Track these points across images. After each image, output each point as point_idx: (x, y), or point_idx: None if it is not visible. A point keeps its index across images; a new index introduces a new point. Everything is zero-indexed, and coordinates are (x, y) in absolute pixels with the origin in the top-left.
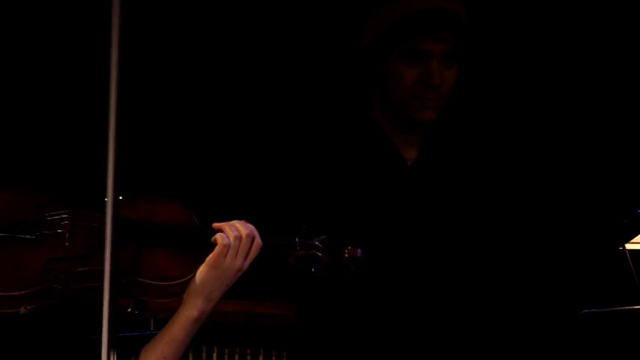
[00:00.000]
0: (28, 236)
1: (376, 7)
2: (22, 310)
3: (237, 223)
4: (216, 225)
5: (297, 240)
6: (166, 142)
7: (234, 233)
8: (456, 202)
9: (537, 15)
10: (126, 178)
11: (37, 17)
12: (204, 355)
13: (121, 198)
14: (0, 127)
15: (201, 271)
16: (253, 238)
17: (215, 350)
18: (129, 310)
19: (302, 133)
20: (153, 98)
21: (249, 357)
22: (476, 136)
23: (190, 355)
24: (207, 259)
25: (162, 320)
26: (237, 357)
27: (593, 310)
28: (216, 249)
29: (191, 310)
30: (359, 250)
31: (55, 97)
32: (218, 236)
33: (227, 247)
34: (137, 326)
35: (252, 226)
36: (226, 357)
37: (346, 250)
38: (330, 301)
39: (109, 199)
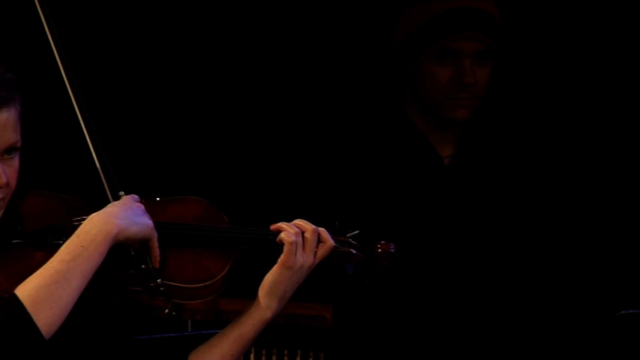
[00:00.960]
0: (56, 241)
1: (409, 5)
2: None
3: (298, 221)
4: (274, 226)
5: None
6: (198, 141)
7: (295, 229)
8: (492, 200)
9: (568, 11)
10: (157, 178)
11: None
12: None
13: (158, 199)
14: (36, 131)
15: (273, 273)
16: (319, 234)
17: (252, 351)
18: (166, 311)
19: (338, 130)
20: (179, 96)
21: (286, 358)
22: (512, 134)
23: None
24: (280, 260)
25: (200, 322)
26: (274, 358)
27: (630, 311)
28: (285, 248)
29: (266, 312)
30: (392, 245)
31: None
32: (283, 235)
33: (294, 244)
34: (175, 327)
35: (318, 227)
36: (264, 358)
37: (379, 245)
38: (364, 296)
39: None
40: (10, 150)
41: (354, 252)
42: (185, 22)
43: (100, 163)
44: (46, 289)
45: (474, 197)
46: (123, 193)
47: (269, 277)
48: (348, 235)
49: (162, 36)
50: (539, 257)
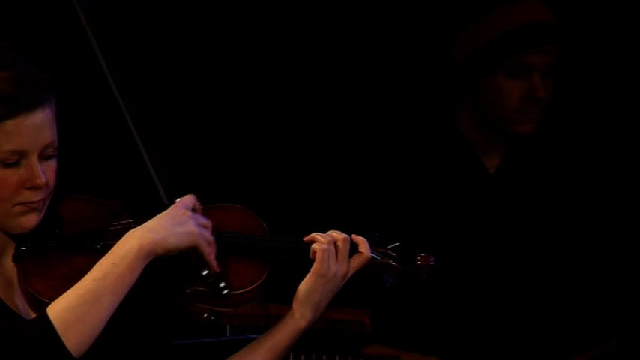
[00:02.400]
0: (94, 246)
1: (467, 23)
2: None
3: (332, 231)
4: (307, 237)
5: None
6: (239, 152)
7: (327, 238)
8: (538, 211)
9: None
10: (201, 186)
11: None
12: None
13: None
14: (83, 139)
15: (307, 282)
16: (358, 244)
17: (291, 356)
18: (204, 316)
19: (384, 140)
20: (221, 106)
21: None
22: (558, 144)
23: None
24: (313, 269)
25: (238, 327)
26: None
27: None
28: (317, 257)
29: (300, 321)
30: (432, 258)
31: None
32: (315, 245)
33: (326, 252)
34: (213, 333)
35: (357, 236)
36: None
37: (419, 257)
38: (402, 307)
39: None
40: (48, 150)
41: (394, 264)
42: (226, 33)
43: (154, 170)
44: (77, 310)
45: (519, 208)
46: (179, 200)
47: (303, 286)
48: (389, 246)
49: (201, 42)
50: (585, 270)
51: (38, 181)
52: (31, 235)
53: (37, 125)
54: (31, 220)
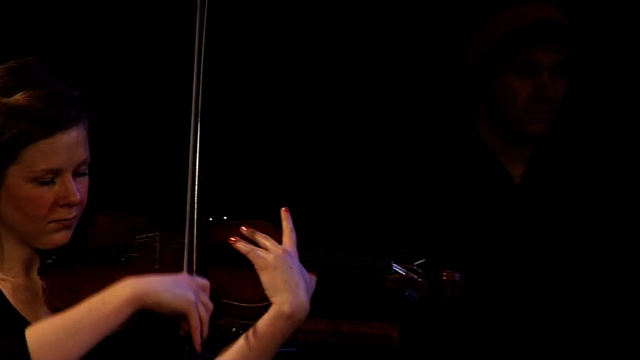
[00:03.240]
0: (119, 259)
1: (479, 24)
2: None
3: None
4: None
5: (392, 263)
6: (262, 163)
7: (243, 242)
8: (564, 220)
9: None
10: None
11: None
12: None
13: (225, 218)
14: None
15: (261, 278)
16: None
17: None
18: (233, 330)
19: (407, 151)
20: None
21: None
22: (584, 153)
23: None
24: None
25: None
26: None
27: None
28: (249, 258)
29: (282, 306)
30: (457, 274)
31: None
32: (238, 248)
33: (250, 251)
34: None
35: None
36: None
37: (444, 273)
38: (430, 321)
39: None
40: (82, 167)
41: (420, 280)
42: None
43: (197, 188)
44: (54, 335)
45: (545, 218)
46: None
47: (263, 283)
48: (415, 263)
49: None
50: (613, 281)
51: (73, 199)
52: (57, 248)
53: (72, 143)
54: (63, 237)
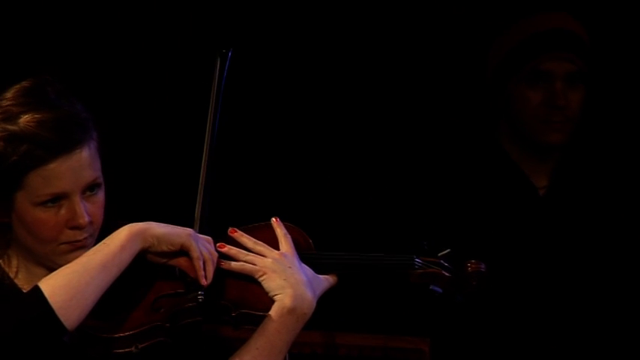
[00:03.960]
0: (140, 271)
1: (499, 34)
2: (134, 349)
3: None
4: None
5: (415, 258)
6: (286, 165)
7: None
8: (588, 231)
9: None
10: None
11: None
12: None
13: (239, 228)
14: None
15: (260, 282)
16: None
17: None
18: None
19: (432, 162)
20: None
21: None
22: (607, 164)
23: None
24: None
25: (297, 355)
26: None
27: None
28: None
29: (283, 300)
30: (483, 265)
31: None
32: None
33: (243, 266)
34: None
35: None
36: None
37: (469, 264)
38: (461, 329)
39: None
40: (91, 187)
41: (443, 272)
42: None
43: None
44: (65, 279)
45: (569, 229)
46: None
47: (265, 290)
48: (440, 254)
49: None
50: (637, 291)
51: (81, 221)
52: None
53: (76, 166)
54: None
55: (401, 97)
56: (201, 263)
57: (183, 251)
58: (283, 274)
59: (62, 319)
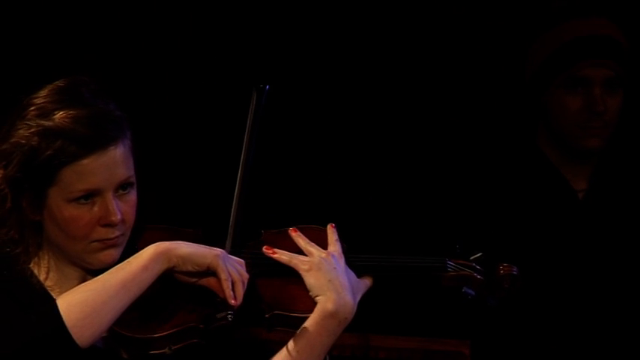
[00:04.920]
0: (170, 276)
1: (536, 40)
2: (167, 350)
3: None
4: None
5: (447, 261)
6: (317, 169)
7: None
8: (627, 235)
9: None
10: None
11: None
12: None
13: (272, 231)
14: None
15: (304, 279)
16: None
17: None
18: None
19: (472, 166)
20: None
21: None
22: None
23: None
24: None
25: (337, 357)
26: None
27: None
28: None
29: (326, 304)
30: (515, 268)
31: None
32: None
33: (290, 259)
34: None
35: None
36: None
37: (502, 267)
38: (501, 331)
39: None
40: (124, 186)
41: (475, 275)
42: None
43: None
44: (82, 295)
45: (608, 232)
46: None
47: (307, 284)
48: (471, 258)
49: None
50: None
51: (113, 219)
52: (110, 267)
53: (110, 163)
54: (110, 256)
55: (440, 100)
56: (229, 284)
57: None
58: (328, 275)
59: (75, 336)
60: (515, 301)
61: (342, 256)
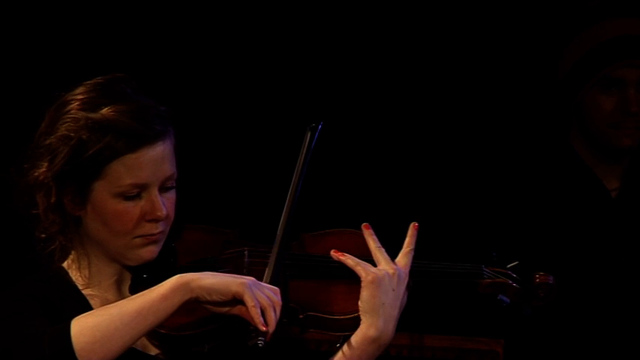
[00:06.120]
0: None
1: (571, 38)
2: (204, 349)
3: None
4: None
5: (483, 268)
6: (353, 175)
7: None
8: None
9: None
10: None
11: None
12: None
13: (308, 234)
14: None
15: (362, 292)
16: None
17: None
18: (337, 345)
19: (503, 165)
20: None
21: None
22: None
23: None
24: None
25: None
26: None
27: None
28: (357, 271)
29: (369, 329)
30: (551, 277)
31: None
32: (343, 260)
33: (357, 265)
34: None
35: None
36: None
37: (538, 276)
38: (534, 330)
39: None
40: (167, 182)
41: (511, 283)
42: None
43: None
44: (96, 318)
45: None
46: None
47: (361, 297)
48: (508, 266)
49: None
50: None
51: (159, 214)
52: (147, 265)
53: (158, 158)
54: (150, 252)
55: (473, 104)
56: (257, 310)
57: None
58: (384, 297)
59: (79, 356)
60: (551, 306)
61: (408, 276)
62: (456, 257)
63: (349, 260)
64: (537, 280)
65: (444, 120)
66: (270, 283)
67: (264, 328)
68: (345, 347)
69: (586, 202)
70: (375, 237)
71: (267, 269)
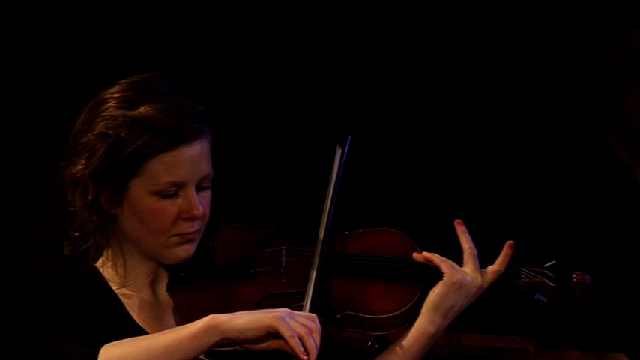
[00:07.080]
0: (245, 274)
1: (612, 39)
2: (238, 347)
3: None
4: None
5: (520, 267)
6: (391, 173)
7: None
8: None
9: None
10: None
11: None
12: None
13: (346, 232)
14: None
15: (438, 287)
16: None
17: None
18: (368, 344)
19: (542, 165)
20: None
21: None
22: None
23: None
24: (444, 278)
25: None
26: None
27: None
28: (442, 267)
29: (429, 326)
30: (588, 276)
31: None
32: (428, 257)
33: (448, 264)
34: None
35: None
36: None
37: (574, 275)
38: (566, 329)
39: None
40: (203, 182)
41: (548, 282)
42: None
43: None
44: (124, 349)
45: None
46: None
47: (433, 292)
48: (545, 265)
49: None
50: None
51: (196, 212)
52: (183, 264)
53: (195, 157)
54: (186, 251)
55: (511, 106)
56: (295, 340)
57: None
58: (458, 300)
59: None
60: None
61: (483, 290)
62: (493, 257)
63: (435, 258)
64: (574, 280)
65: (481, 120)
66: (312, 297)
67: (304, 357)
68: (402, 342)
69: (623, 202)
70: (468, 236)
71: (306, 296)
